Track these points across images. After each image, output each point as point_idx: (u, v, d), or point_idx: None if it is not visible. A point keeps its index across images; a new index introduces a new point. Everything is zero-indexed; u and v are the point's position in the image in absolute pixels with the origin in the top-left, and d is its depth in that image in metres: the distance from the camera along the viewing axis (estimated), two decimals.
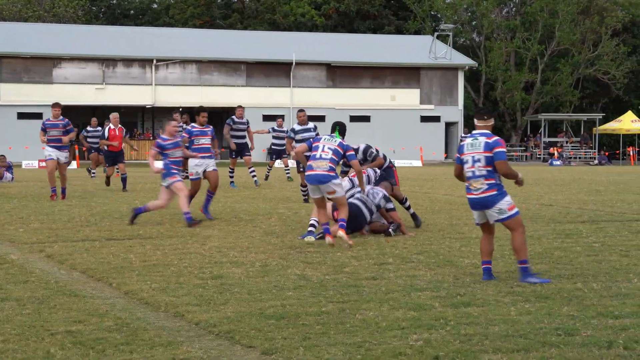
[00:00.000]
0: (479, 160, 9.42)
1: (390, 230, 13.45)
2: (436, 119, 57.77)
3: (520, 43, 69.21)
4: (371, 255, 11.27)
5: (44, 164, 44.53)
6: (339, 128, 13.22)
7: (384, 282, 9.32)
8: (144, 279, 9.55)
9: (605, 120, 66.28)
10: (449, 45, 59.30)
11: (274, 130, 27.91)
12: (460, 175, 9.76)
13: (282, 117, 30.15)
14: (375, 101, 56.57)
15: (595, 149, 62.33)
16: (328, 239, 12.09)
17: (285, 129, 26.82)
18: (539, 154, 63.37)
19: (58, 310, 7.96)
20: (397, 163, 50.46)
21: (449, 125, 58.26)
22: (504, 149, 9.44)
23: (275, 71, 55.01)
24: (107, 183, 24.63)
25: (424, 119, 57.60)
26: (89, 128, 30.56)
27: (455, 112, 58.22)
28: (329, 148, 12.69)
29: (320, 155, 12.61)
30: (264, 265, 10.46)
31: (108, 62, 52.11)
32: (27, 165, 44.16)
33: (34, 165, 44.47)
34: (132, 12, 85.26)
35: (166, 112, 59.35)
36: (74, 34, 56.19)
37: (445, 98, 58.37)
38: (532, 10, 68.91)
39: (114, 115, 24.34)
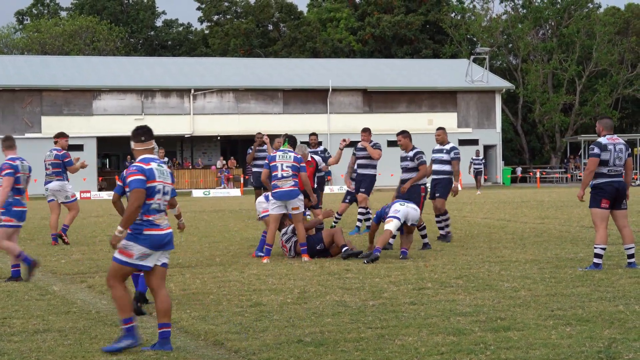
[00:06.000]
0: None
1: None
2: (474, 142, 57.50)
3: (558, 64, 68.84)
4: (410, 280, 11.23)
5: (85, 195, 45.29)
6: (289, 140, 14.06)
7: (423, 307, 9.28)
8: (184, 307, 9.61)
9: None
10: (486, 69, 59.14)
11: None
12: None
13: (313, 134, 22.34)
14: (413, 126, 56.32)
15: (636, 170, 61.62)
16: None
17: (319, 149, 20.69)
18: (580, 176, 62.76)
19: (99, 341, 8.03)
20: None
21: (487, 149, 57.95)
22: None
23: (312, 98, 55.19)
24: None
25: (462, 142, 57.35)
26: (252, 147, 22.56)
27: (493, 135, 57.98)
28: (287, 166, 13.72)
29: (282, 174, 13.66)
30: (303, 292, 10.47)
31: (147, 92, 52.64)
32: None
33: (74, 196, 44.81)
34: (169, 43, 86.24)
35: (205, 141, 60.13)
36: (113, 66, 56.89)
37: (482, 121, 58.16)
38: (568, 31, 68.59)
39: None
